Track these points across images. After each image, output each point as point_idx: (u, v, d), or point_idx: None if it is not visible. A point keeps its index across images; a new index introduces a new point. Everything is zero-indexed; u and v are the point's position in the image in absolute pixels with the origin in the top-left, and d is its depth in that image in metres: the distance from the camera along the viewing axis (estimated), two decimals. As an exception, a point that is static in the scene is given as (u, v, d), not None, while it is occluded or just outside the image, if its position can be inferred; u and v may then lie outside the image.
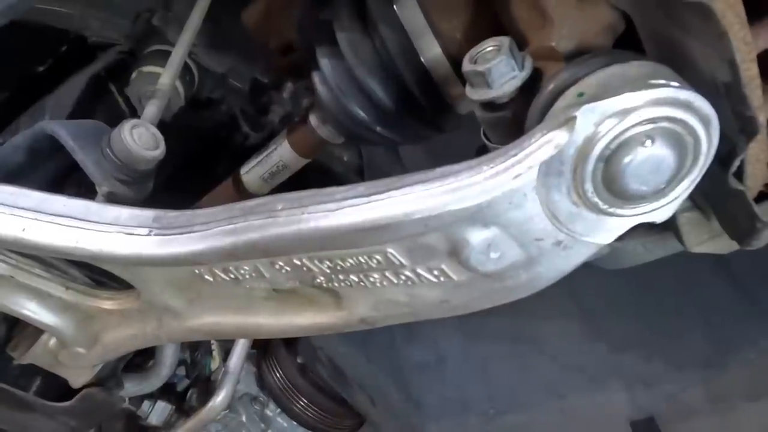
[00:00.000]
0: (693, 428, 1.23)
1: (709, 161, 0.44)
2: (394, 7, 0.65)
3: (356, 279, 0.53)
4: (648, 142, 0.42)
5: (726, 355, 1.24)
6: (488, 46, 0.51)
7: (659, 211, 0.46)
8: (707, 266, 1.27)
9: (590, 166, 0.43)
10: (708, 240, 0.61)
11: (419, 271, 0.50)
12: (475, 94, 0.52)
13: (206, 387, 1.04)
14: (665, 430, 1.21)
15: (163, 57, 0.88)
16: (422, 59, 0.65)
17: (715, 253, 0.62)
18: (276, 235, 0.49)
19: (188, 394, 1.05)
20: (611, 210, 0.45)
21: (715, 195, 0.54)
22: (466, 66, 0.51)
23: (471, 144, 0.63)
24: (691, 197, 0.50)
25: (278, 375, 1.34)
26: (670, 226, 0.61)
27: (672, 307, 1.29)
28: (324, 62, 0.71)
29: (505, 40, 0.50)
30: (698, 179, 0.45)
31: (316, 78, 0.73)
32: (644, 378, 1.26)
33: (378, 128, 0.72)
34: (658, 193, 0.44)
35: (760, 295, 1.25)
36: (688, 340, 1.26)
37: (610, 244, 0.54)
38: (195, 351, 1.08)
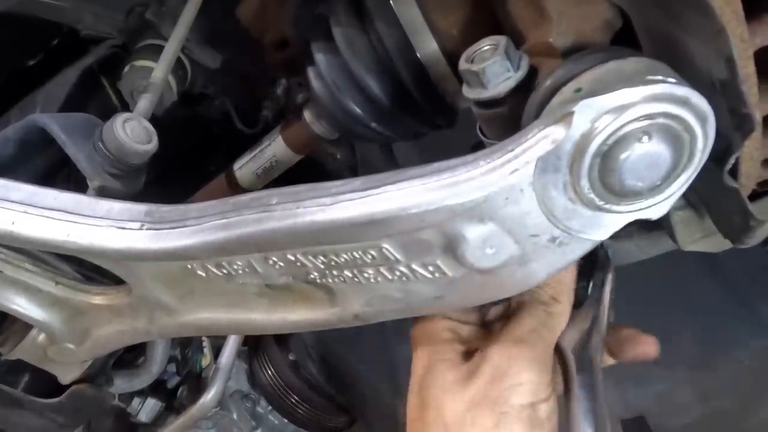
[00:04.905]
0: (683, 427, 1.23)
1: (705, 158, 0.44)
2: (391, 2, 0.65)
3: (350, 275, 0.52)
4: (645, 138, 0.42)
5: (715, 355, 1.24)
6: (485, 45, 0.50)
7: (655, 208, 0.46)
8: (697, 267, 1.28)
9: (587, 161, 0.43)
10: (701, 239, 0.61)
11: (414, 266, 0.50)
12: (471, 93, 0.52)
13: (197, 384, 1.03)
14: (655, 429, 1.22)
15: (156, 51, 0.88)
16: (418, 55, 0.65)
17: (707, 251, 0.63)
18: (271, 229, 0.49)
19: (179, 391, 1.05)
20: (607, 206, 0.45)
21: (709, 193, 0.54)
22: (463, 65, 0.51)
23: (466, 142, 0.63)
24: (685, 196, 0.50)
25: (270, 372, 1.34)
26: (663, 224, 0.62)
27: (662, 307, 1.30)
28: (319, 57, 0.71)
29: (502, 40, 0.50)
30: (694, 176, 0.45)
31: (311, 73, 0.73)
32: (634, 377, 1.26)
33: (373, 124, 0.72)
34: (654, 190, 0.44)
35: (749, 296, 1.26)
36: (677, 340, 1.27)
37: (603, 242, 0.54)
38: (186, 348, 1.07)
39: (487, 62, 0.49)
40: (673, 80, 0.42)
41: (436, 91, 0.68)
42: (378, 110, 0.70)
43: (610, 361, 0.67)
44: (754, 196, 0.52)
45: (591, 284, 0.63)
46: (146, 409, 0.99)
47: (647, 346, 0.67)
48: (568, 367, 0.58)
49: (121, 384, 0.81)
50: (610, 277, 0.64)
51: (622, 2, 0.49)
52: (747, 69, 0.41)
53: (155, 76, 0.77)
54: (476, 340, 0.60)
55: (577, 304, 0.62)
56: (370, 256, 0.50)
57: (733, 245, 0.56)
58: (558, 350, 0.60)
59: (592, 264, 0.64)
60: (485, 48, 0.51)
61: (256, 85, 1.06)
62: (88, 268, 0.66)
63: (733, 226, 0.53)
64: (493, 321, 0.63)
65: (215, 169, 0.94)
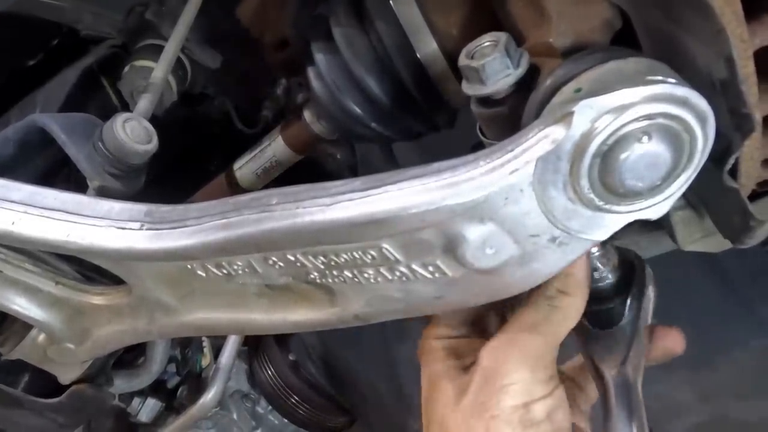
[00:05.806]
0: (683, 427, 1.23)
1: (704, 158, 0.44)
2: (391, 2, 0.65)
3: (350, 275, 0.52)
4: (644, 139, 0.42)
5: (715, 355, 1.24)
6: (486, 41, 0.51)
7: (655, 208, 0.46)
8: (697, 267, 1.28)
9: (587, 161, 0.43)
10: (701, 238, 0.61)
11: (414, 267, 0.50)
12: (471, 89, 0.52)
13: (197, 384, 1.03)
14: (656, 429, 1.22)
15: (156, 51, 0.88)
16: (418, 55, 0.65)
17: (707, 251, 0.63)
18: (271, 229, 0.49)
19: (179, 391, 1.05)
20: (607, 206, 0.45)
21: (709, 193, 0.54)
22: (462, 60, 0.51)
23: (466, 142, 0.63)
24: (685, 196, 0.50)
25: (270, 372, 1.34)
26: (663, 224, 0.62)
27: (661, 307, 1.29)
28: (319, 57, 0.71)
29: (502, 36, 0.50)
30: (693, 176, 0.45)
31: (311, 73, 0.73)
32: (634, 377, 1.26)
33: (373, 124, 0.72)
34: (654, 190, 0.44)
35: (749, 296, 1.26)
36: (678, 340, 1.27)
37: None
38: (186, 348, 1.07)
39: (487, 59, 0.49)
40: (672, 80, 0.42)
41: (436, 91, 0.68)
42: (378, 110, 0.71)
43: None
44: (754, 196, 0.52)
45: (628, 301, 0.60)
46: (146, 409, 0.99)
47: (672, 339, 0.64)
48: (607, 390, 0.57)
49: (121, 384, 0.82)
50: (650, 293, 0.60)
51: (621, 2, 0.49)
52: (747, 69, 0.41)
53: (155, 76, 0.77)
54: (473, 351, 0.59)
55: (613, 322, 0.59)
56: (370, 256, 0.50)
57: (733, 245, 0.56)
58: (598, 373, 0.58)
59: (629, 279, 0.60)
60: (485, 44, 0.51)
61: (256, 85, 1.06)
62: (88, 268, 0.66)
63: (733, 226, 0.53)
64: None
65: (215, 169, 0.94)
